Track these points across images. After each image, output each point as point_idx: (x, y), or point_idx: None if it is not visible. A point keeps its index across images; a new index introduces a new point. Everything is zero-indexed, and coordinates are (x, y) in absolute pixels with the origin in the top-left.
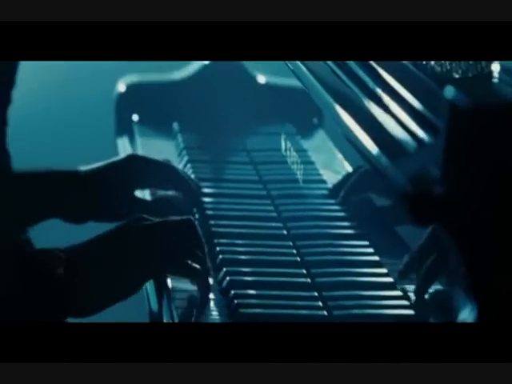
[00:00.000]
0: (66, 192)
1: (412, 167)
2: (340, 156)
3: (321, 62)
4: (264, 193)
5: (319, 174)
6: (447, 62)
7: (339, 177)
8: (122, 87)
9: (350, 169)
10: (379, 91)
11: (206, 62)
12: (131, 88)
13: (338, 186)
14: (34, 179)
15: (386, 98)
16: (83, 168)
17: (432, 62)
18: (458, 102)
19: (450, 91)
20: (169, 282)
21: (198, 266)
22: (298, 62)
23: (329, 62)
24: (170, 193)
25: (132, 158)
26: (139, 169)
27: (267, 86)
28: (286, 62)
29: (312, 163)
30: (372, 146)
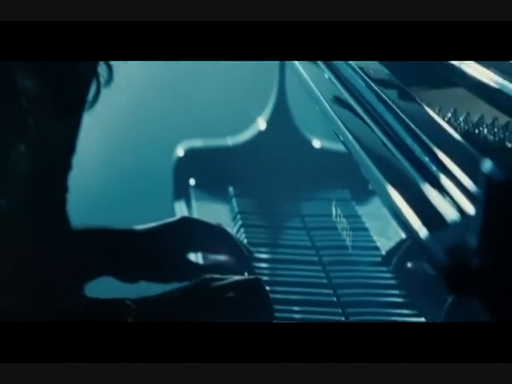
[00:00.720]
0: (120, 250)
1: (450, 238)
2: (394, 223)
3: (369, 131)
4: (316, 259)
5: (372, 241)
6: (500, 131)
7: (392, 244)
8: (180, 152)
9: (403, 236)
10: (426, 160)
11: (262, 128)
12: (189, 153)
13: (391, 254)
14: (91, 237)
15: (433, 169)
16: (138, 227)
17: (485, 131)
18: (495, 174)
19: (487, 164)
20: None
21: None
22: (346, 131)
23: (377, 131)
24: (222, 257)
25: (184, 220)
26: (191, 231)
27: (322, 150)
28: (336, 132)
29: (366, 229)
30: (414, 219)
